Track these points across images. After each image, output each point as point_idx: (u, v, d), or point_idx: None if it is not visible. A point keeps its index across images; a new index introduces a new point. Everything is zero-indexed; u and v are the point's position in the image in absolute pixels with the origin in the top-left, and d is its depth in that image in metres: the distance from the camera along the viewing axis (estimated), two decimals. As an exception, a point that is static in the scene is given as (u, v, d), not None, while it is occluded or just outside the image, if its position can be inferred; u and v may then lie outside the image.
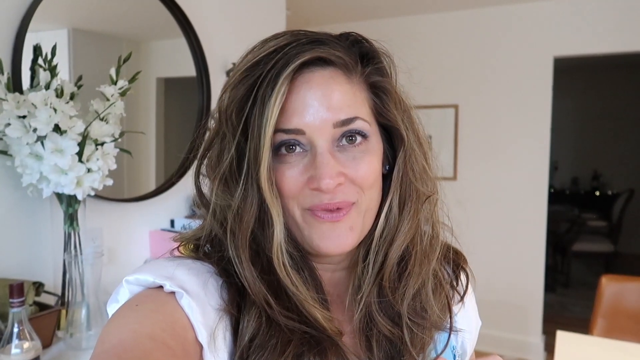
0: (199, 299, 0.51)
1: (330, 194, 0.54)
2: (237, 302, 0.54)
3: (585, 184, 6.51)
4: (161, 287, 0.52)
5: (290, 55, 0.53)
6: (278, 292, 0.55)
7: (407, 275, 0.61)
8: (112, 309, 0.53)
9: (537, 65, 3.27)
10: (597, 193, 6.24)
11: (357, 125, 0.56)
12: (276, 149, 0.55)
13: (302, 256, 0.59)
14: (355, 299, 0.60)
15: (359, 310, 0.59)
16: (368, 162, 0.57)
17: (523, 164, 3.34)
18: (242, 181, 0.55)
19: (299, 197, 0.56)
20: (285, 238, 0.56)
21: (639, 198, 5.76)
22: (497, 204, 3.43)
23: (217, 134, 0.58)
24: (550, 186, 3.44)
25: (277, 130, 0.54)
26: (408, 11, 3.53)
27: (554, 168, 5.97)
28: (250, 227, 0.55)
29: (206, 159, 0.60)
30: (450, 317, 0.66)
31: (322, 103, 0.54)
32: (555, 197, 5.32)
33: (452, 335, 0.65)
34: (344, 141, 0.56)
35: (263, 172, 0.53)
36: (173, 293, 0.51)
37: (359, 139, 0.56)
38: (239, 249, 0.55)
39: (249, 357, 0.51)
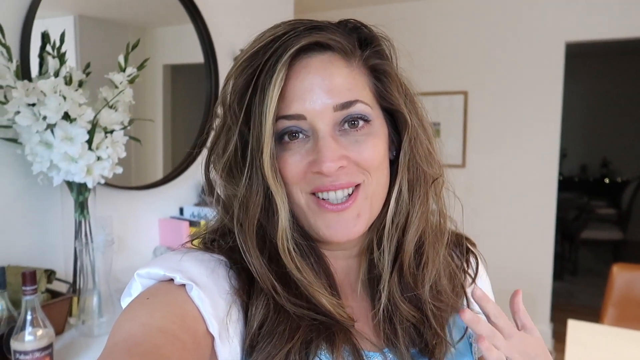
0: (209, 291, 0.51)
1: (333, 177, 0.55)
2: (246, 290, 0.55)
3: (594, 171, 6.46)
4: (172, 279, 0.52)
5: (288, 42, 0.53)
6: (285, 279, 0.56)
7: (424, 260, 0.62)
8: (125, 302, 0.54)
9: (548, 51, 3.22)
10: (607, 180, 6.19)
11: (358, 108, 0.56)
12: (279, 137, 0.56)
13: (310, 244, 0.60)
14: (377, 288, 0.61)
15: (382, 298, 0.59)
16: (372, 144, 0.57)
17: (533, 151, 3.31)
18: (246, 170, 0.56)
19: (301, 183, 0.56)
20: (291, 225, 0.57)
21: (649, 185, 5.71)
22: (506, 191, 3.41)
23: (222, 127, 0.59)
24: (559, 173, 3.41)
25: (278, 117, 0.54)
26: (417, -4, 3.48)
27: (562, 155, 5.92)
28: (257, 215, 0.56)
29: (214, 153, 0.61)
30: (467, 298, 0.67)
31: (322, 87, 0.54)
32: (564, 184, 5.27)
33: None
34: (345, 125, 0.56)
35: (266, 159, 0.53)
36: (184, 285, 0.51)
37: (361, 122, 0.57)
38: (246, 236, 0.55)
39: (258, 343, 0.52)
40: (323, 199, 0.56)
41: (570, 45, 3.21)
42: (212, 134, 0.61)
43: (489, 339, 0.56)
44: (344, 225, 0.56)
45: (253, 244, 0.55)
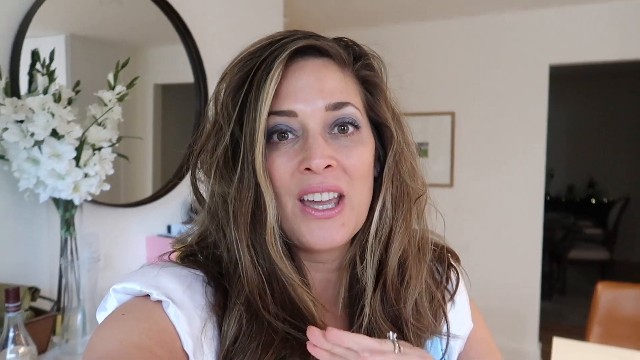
0: (185, 308, 0.51)
1: (321, 177, 0.54)
2: (222, 306, 0.54)
3: (580, 191, 6.53)
4: (148, 295, 0.51)
5: (285, 45, 0.55)
6: (269, 281, 0.55)
7: (407, 277, 0.61)
8: (101, 317, 0.54)
9: (533, 73, 3.29)
10: (593, 201, 6.26)
11: (349, 111, 0.57)
12: (269, 135, 0.56)
13: (293, 251, 0.59)
14: (358, 305, 0.60)
15: (365, 314, 0.59)
16: (360, 151, 0.57)
17: (519, 171, 3.36)
18: (238, 167, 0.55)
19: (289, 185, 0.55)
20: (279, 224, 0.56)
21: (635, 206, 5.79)
22: (494, 211, 3.44)
23: (213, 126, 0.59)
24: (546, 194, 3.45)
25: (270, 113, 0.54)
26: (405, 18, 3.55)
27: (549, 175, 5.98)
28: (249, 211, 0.55)
29: (202, 153, 0.60)
30: (447, 324, 0.66)
31: (315, 87, 0.55)
32: (551, 204, 5.34)
33: (440, 340, 0.66)
34: (336, 130, 0.57)
35: (258, 154, 0.53)
36: (160, 302, 0.51)
37: (350, 128, 0.57)
38: (240, 232, 0.55)
39: (232, 359, 0.51)
40: (309, 200, 0.56)
41: (554, 67, 3.28)
42: (203, 133, 0.61)
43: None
44: (328, 233, 0.56)
45: (247, 239, 0.55)
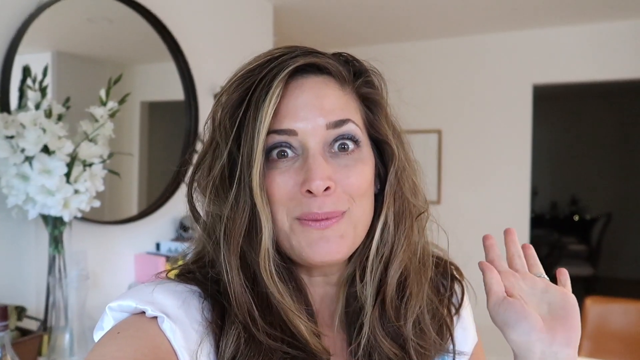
0: (181, 323, 0.50)
1: (320, 201, 0.53)
2: (219, 324, 0.53)
3: (564, 208, 6.62)
4: (144, 312, 0.51)
5: (285, 62, 0.54)
6: (263, 304, 0.54)
7: (407, 295, 0.60)
8: (97, 336, 0.53)
9: (517, 93, 3.36)
10: (576, 218, 6.34)
11: (350, 128, 0.56)
12: (267, 153, 0.54)
13: (290, 269, 0.58)
14: (357, 322, 0.59)
15: (364, 332, 0.58)
16: (360, 170, 0.56)
17: (505, 189, 3.40)
18: (234, 187, 0.54)
19: (288, 204, 0.54)
20: (274, 246, 0.55)
21: (617, 222, 5.88)
22: (481, 227, 3.43)
23: (209, 144, 0.58)
24: (531, 211, 3.50)
25: (269, 131, 0.53)
26: (392, 38, 3.61)
27: (533, 193, 6.06)
28: (242, 233, 0.54)
29: (199, 171, 0.59)
30: (453, 341, 0.65)
31: (315, 105, 0.54)
32: (536, 221, 5.38)
33: (446, 359, 0.65)
34: (336, 147, 0.56)
35: (255, 174, 0.52)
36: (156, 318, 0.50)
37: (351, 146, 0.56)
38: (231, 254, 0.53)
39: None
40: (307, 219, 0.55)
41: (538, 87, 3.35)
42: (199, 151, 0.60)
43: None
44: (328, 245, 0.54)
45: (237, 263, 0.54)
